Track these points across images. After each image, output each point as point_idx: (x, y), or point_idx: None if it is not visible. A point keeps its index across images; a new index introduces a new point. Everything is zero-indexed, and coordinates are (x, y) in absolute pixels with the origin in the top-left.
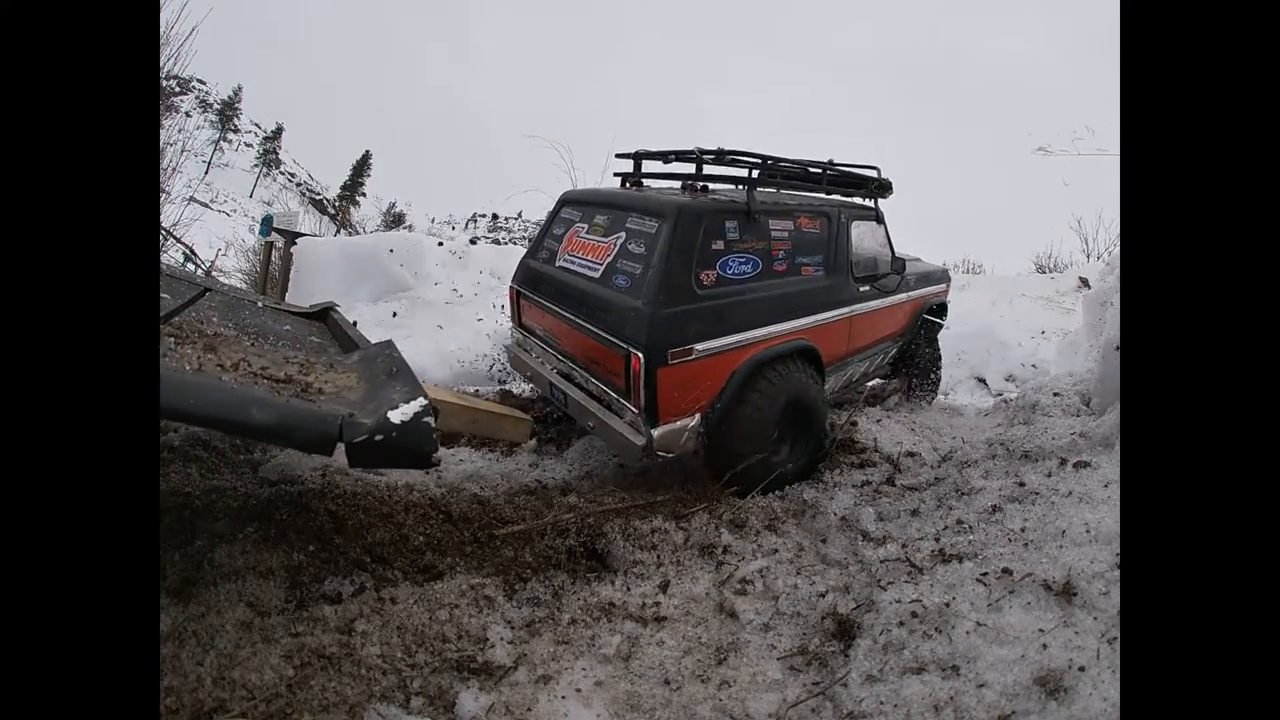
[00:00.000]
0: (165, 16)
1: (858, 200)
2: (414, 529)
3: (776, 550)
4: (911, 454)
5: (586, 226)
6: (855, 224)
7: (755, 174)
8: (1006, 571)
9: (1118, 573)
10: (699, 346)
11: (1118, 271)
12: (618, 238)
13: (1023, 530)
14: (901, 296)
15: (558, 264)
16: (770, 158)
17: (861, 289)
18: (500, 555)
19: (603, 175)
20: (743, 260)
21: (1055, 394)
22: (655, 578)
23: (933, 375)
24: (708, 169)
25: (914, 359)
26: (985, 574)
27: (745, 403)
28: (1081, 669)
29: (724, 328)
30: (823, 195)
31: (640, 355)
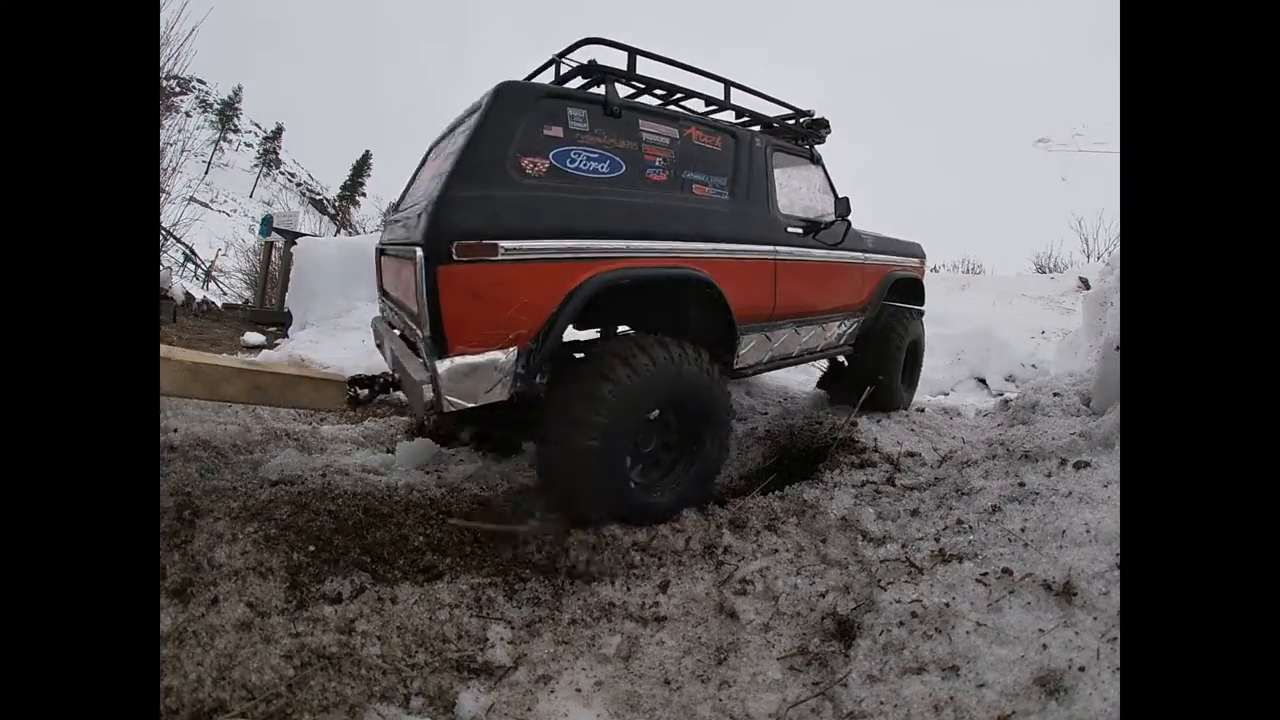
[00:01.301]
0: (165, 16)
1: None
2: (414, 529)
3: (776, 550)
4: (911, 454)
5: (438, 158)
6: (781, 156)
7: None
8: (1006, 571)
9: (1118, 573)
10: (508, 244)
11: (1118, 271)
12: (449, 144)
13: (1023, 530)
14: (858, 256)
15: (401, 207)
16: (643, 53)
17: (793, 232)
18: (500, 555)
19: None
20: (595, 157)
21: (1055, 394)
22: (655, 578)
23: (902, 376)
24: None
25: (870, 347)
26: (985, 574)
27: (611, 380)
28: (1081, 669)
29: (556, 227)
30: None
31: (419, 250)
